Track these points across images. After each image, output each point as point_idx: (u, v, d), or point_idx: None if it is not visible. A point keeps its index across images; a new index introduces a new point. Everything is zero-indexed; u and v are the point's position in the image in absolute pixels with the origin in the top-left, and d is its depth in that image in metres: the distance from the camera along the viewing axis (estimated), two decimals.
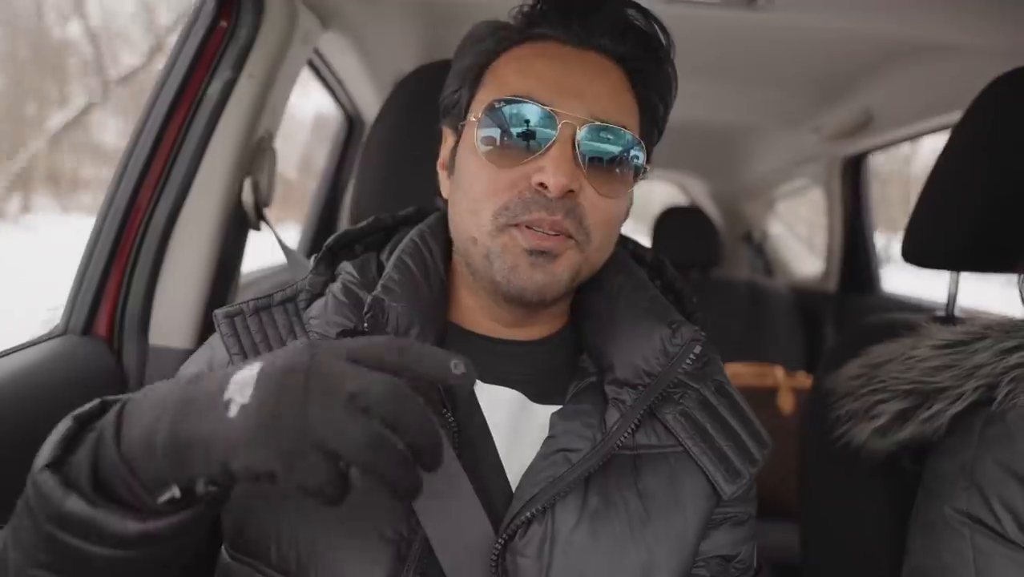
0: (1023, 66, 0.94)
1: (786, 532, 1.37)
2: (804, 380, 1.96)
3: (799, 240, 2.92)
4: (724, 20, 1.40)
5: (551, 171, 0.59)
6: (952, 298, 1.05)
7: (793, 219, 3.04)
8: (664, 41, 0.67)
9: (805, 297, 2.52)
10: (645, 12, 0.66)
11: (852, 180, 2.28)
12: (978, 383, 0.73)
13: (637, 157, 0.64)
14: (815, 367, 2.55)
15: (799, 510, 1.08)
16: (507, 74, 0.65)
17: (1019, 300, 0.80)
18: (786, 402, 1.94)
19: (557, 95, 0.61)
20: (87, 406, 0.49)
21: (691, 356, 0.66)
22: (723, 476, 0.66)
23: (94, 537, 0.41)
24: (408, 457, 0.41)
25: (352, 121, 1.84)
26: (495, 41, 0.67)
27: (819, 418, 0.92)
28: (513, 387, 0.68)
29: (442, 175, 0.71)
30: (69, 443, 0.46)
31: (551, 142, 0.60)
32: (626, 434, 0.64)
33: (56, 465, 0.44)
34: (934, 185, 1.00)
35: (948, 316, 1.01)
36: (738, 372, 1.98)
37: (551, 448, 0.64)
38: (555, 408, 0.67)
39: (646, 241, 2.46)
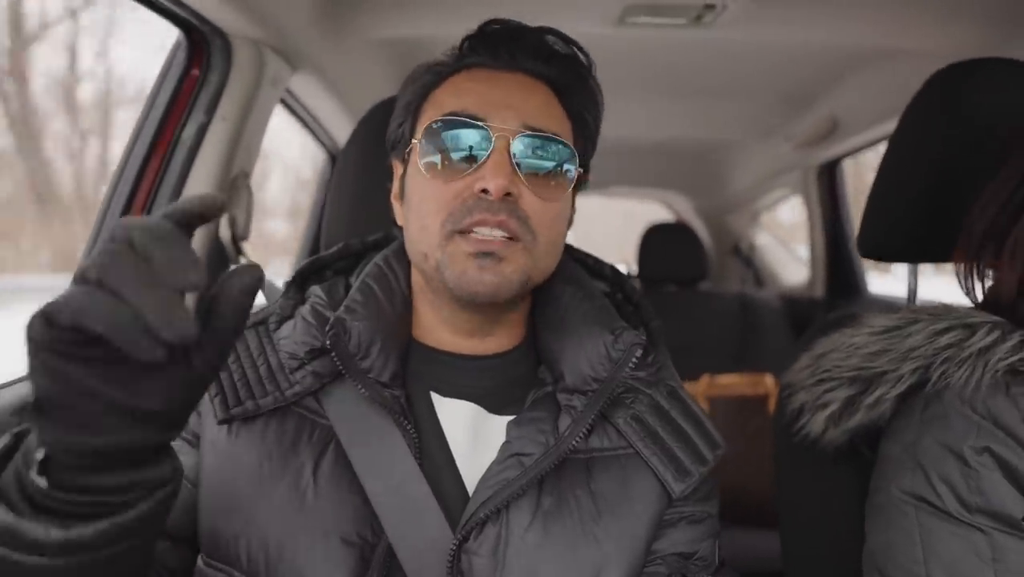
0: (956, 62, 0.99)
1: (773, 540, 1.38)
2: None
3: (785, 249, 2.96)
4: (683, 40, 1.46)
5: (490, 176, 0.63)
6: (912, 290, 1.08)
7: (777, 228, 3.08)
8: (584, 60, 0.72)
9: (794, 305, 2.54)
10: (564, 37, 0.72)
11: (828, 186, 2.32)
12: (914, 365, 0.76)
13: (571, 163, 0.68)
14: None
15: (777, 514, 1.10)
16: (443, 98, 0.69)
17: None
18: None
19: (490, 109, 0.65)
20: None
21: (634, 359, 0.68)
22: (672, 475, 0.68)
23: (19, 545, 0.41)
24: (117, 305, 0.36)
25: (334, 157, 1.91)
26: (431, 75, 0.72)
27: (782, 414, 0.94)
28: (472, 400, 0.71)
29: (396, 205, 0.75)
30: (6, 457, 0.45)
31: (488, 152, 0.64)
32: (579, 438, 0.66)
33: None
34: (884, 180, 1.04)
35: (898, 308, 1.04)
36: (731, 382, 2.00)
37: (506, 453, 0.66)
38: (510, 418, 0.70)
39: (633, 259, 2.51)
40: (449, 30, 1.36)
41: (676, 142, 2.48)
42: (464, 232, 0.64)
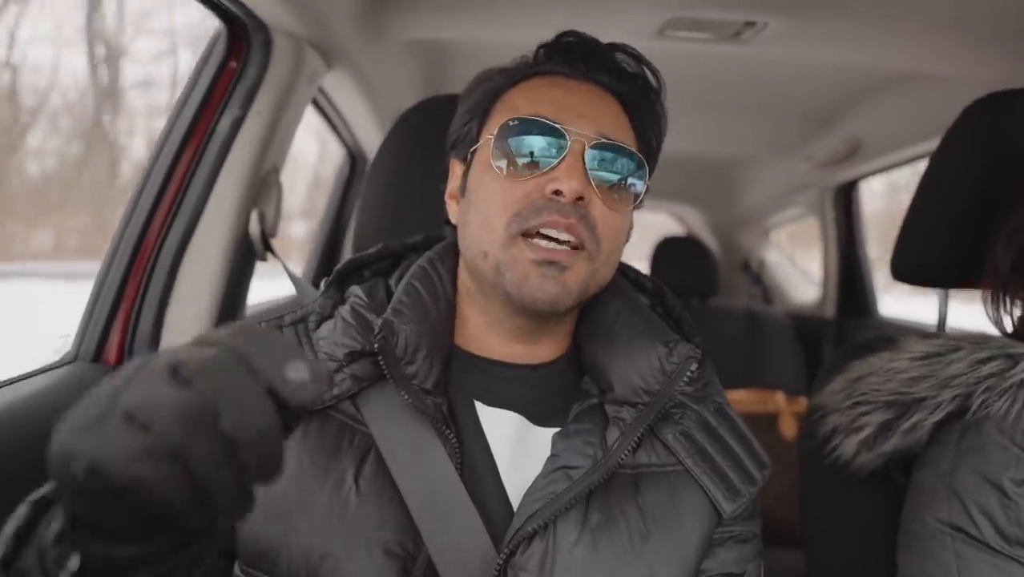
0: (996, 92, 0.99)
1: (794, 560, 1.37)
2: (805, 405, 1.97)
3: (796, 267, 2.96)
4: (715, 55, 1.47)
5: (564, 179, 0.63)
6: (942, 316, 1.08)
7: (791, 247, 3.08)
8: (654, 82, 0.72)
9: (804, 323, 2.54)
10: (637, 56, 0.72)
11: (844, 207, 2.32)
12: (954, 393, 0.75)
13: (639, 176, 0.68)
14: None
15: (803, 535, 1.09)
16: (517, 100, 0.69)
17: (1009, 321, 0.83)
18: (787, 427, 1.95)
19: (565, 115, 0.65)
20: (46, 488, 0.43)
21: (688, 373, 0.68)
22: (723, 495, 0.67)
23: None
24: (182, 472, 0.32)
25: (355, 158, 1.90)
26: (504, 77, 0.71)
27: (812, 436, 0.94)
28: (515, 410, 0.70)
29: (450, 204, 0.74)
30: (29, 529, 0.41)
31: (563, 156, 0.64)
32: (627, 452, 0.65)
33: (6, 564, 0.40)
34: (919, 205, 1.04)
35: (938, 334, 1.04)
36: (739, 399, 1.99)
37: (552, 466, 0.65)
38: (556, 429, 0.69)
39: (645, 271, 2.50)
40: (484, 36, 1.37)
41: (695, 156, 2.48)
42: (528, 236, 0.63)
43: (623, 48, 0.71)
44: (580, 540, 0.63)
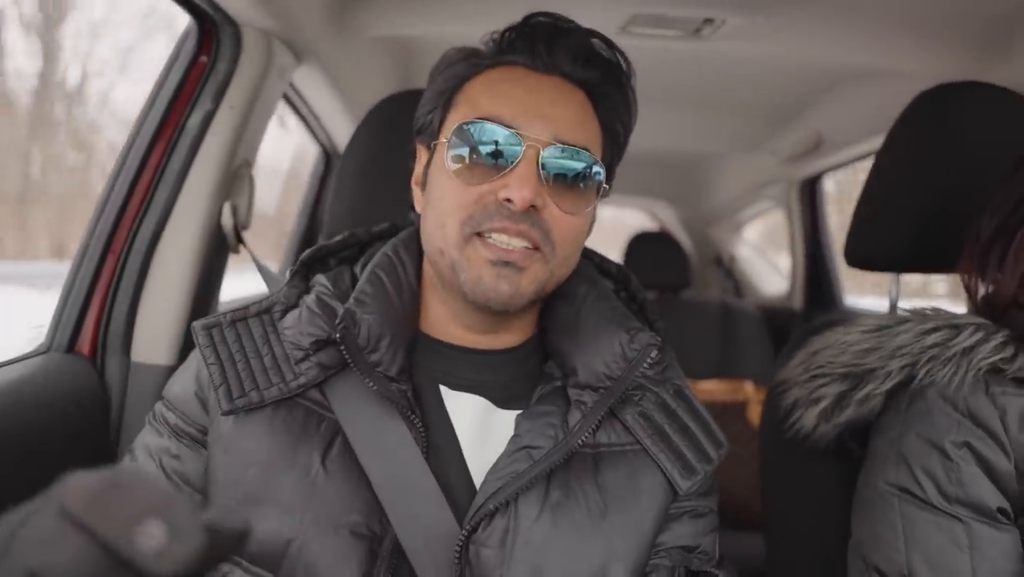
0: (943, 84, 1.04)
1: (757, 543, 1.41)
2: None
3: (764, 261, 3.02)
4: (679, 52, 1.50)
5: (516, 186, 0.63)
6: (893, 300, 1.13)
7: (760, 240, 3.15)
8: (625, 68, 0.72)
9: (773, 315, 2.60)
10: (608, 41, 0.72)
11: (809, 201, 2.39)
12: (902, 363, 0.80)
13: (598, 176, 0.68)
14: None
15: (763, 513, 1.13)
16: (476, 96, 0.69)
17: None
18: (756, 415, 2.00)
19: (523, 117, 0.65)
20: None
21: (648, 360, 0.70)
22: (679, 472, 0.70)
23: None
24: None
25: (328, 153, 1.91)
26: (466, 66, 0.71)
27: (775, 410, 0.97)
28: (480, 393, 0.71)
29: (416, 190, 0.75)
30: None
31: (516, 161, 0.63)
32: (587, 433, 0.67)
33: None
34: (870, 193, 1.08)
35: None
36: (711, 388, 2.04)
37: (515, 446, 0.67)
38: (518, 411, 0.71)
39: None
40: (455, 31, 1.39)
41: (665, 152, 2.53)
42: (482, 235, 0.64)
43: (592, 33, 0.71)
44: (540, 517, 0.65)
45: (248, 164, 1.19)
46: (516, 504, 0.64)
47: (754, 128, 2.14)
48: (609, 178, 0.74)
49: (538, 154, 0.64)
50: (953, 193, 0.97)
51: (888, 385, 0.81)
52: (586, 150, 0.67)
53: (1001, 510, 0.72)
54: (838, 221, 2.43)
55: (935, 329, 0.80)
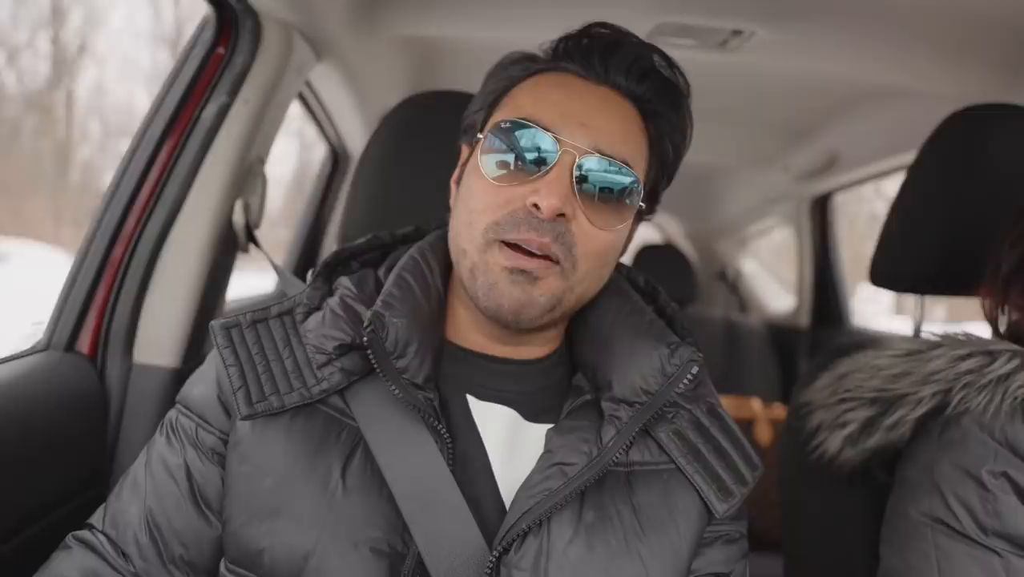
0: (972, 105, 1.02)
1: (766, 564, 1.39)
2: (780, 412, 2.00)
3: (771, 277, 3.01)
4: (700, 63, 1.48)
5: (545, 193, 0.60)
6: (918, 322, 1.10)
7: (768, 256, 3.14)
8: (684, 88, 0.69)
9: (779, 332, 2.58)
10: (668, 59, 0.69)
11: (820, 219, 2.37)
12: (935, 389, 0.77)
13: (636, 193, 0.65)
14: (790, 399, 2.58)
15: (779, 541, 1.10)
16: (521, 98, 0.67)
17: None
18: (763, 433, 1.97)
19: (563, 122, 0.63)
20: None
21: (688, 376, 0.66)
22: (715, 495, 0.66)
23: None
24: None
25: (337, 154, 1.89)
26: (518, 69, 0.69)
27: (796, 432, 0.95)
28: (507, 405, 0.69)
29: (453, 188, 0.73)
30: None
31: (550, 166, 0.61)
32: (620, 451, 0.64)
33: None
34: (898, 213, 1.07)
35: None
36: None
37: (547, 462, 0.64)
38: (549, 426, 0.68)
39: None
40: (476, 34, 1.37)
41: None
42: (504, 243, 0.62)
43: (652, 48, 0.68)
44: (575, 538, 0.62)
45: (261, 161, 1.16)
46: (549, 524, 0.61)
47: (768, 143, 2.13)
48: (652, 200, 0.71)
49: (573, 161, 0.62)
50: (981, 217, 0.95)
51: (920, 412, 0.78)
52: (627, 165, 0.64)
53: None
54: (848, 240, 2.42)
55: (970, 355, 0.77)
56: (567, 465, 0.63)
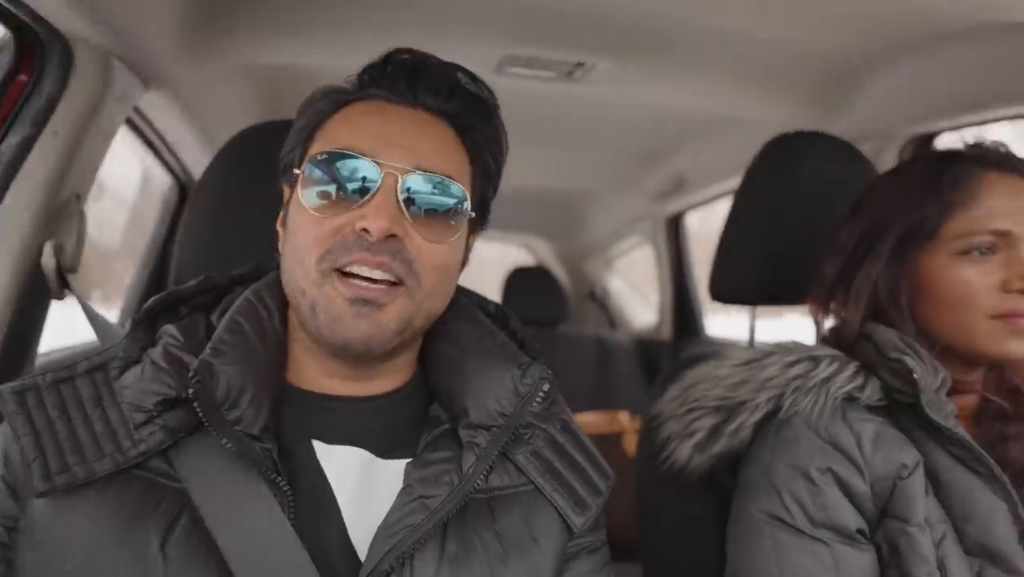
0: (786, 133, 1.13)
1: (632, 573, 1.43)
2: None
3: (636, 294, 3.16)
4: (555, 94, 1.54)
5: (372, 216, 0.60)
6: (752, 331, 1.19)
7: (635, 274, 3.29)
8: (490, 100, 0.71)
9: (645, 346, 2.71)
10: (471, 75, 0.71)
11: (674, 237, 2.53)
12: (769, 394, 0.83)
13: (464, 205, 0.66)
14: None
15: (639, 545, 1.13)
16: (334, 129, 0.66)
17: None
18: (631, 444, 2.04)
19: (381, 146, 0.63)
20: None
21: (541, 393, 0.68)
22: (572, 510, 0.69)
23: None
24: None
25: (183, 186, 1.75)
26: (328, 102, 0.69)
27: (650, 443, 0.98)
28: (358, 445, 0.66)
29: (280, 232, 0.71)
30: None
31: (373, 191, 0.61)
32: (480, 477, 0.65)
33: None
34: (729, 232, 1.15)
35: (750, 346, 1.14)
36: (588, 421, 2.06)
37: (408, 497, 0.63)
38: (407, 460, 0.66)
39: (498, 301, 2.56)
40: (320, 61, 1.33)
41: (544, 189, 2.58)
42: (342, 272, 0.61)
43: (455, 67, 0.70)
44: (439, 572, 0.61)
45: (79, 198, 1.05)
46: (411, 563, 0.60)
47: (625, 167, 2.24)
48: (483, 211, 0.73)
49: (396, 182, 0.62)
50: (800, 234, 1.05)
51: (758, 416, 0.84)
52: (450, 178, 0.65)
53: (860, 531, 0.76)
54: (703, 256, 2.59)
55: (798, 361, 0.84)
56: (429, 498, 0.62)
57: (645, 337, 2.79)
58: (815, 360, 0.84)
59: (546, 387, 0.69)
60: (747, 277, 1.09)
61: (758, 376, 0.85)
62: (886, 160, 1.43)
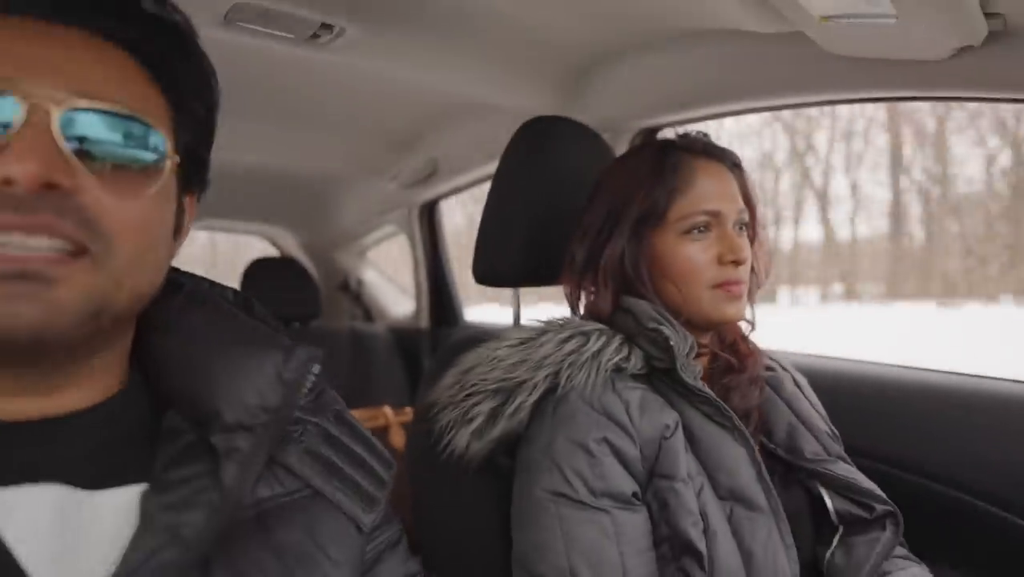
0: (538, 116, 1.16)
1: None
2: (411, 414, 2.04)
3: (392, 284, 3.09)
4: (296, 61, 1.38)
5: (16, 158, 0.44)
6: (516, 312, 1.21)
7: (387, 263, 3.21)
8: (184, 27, 0.57)
9: (403, 335, 2.65)
10: None
11: (429, 224, 2.51)
12: (547, 372, 0.83)
13: (157, 148, 0.52)
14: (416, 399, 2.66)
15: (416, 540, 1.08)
16: None
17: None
18: (397, 438, 1.98)
19: (25, 72, 0.47)
20: None
21: (311, 377, 0.58)
22: (360, 508, 0.61)
23: None
24: None
25: None
26: None
27: (427, 434, 0.93)
28: (54, 480, 0.49)
29: None
30: None
31: (16, 126, 0.45)
32: (249, 488, 0.53)
33: None
34: (489, 216, 1.15)
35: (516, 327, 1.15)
36: None
37: (152, 531, 0.49)
38: (138, 487, 0.51)
39: None
40: None
41: (284, 173, 2.35)
42: None
43: None
44: None
45: None
46: None
47: (377, 152, 2.15)
48: (198, 167, 0.60)
49: (49, 116, 0.46)
50: (554, 215, 1.08)
51: (536, 395, 0.83)
52: (132, 113, 0.50)
53: (634, 493, 0.80)
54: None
55: (571, 337, 0.85)
56: (182, 527, 0.49)
57: (402, 326, 2.74)
58: (586, 335, 0.86)
59: (316, 369, 0.59)
60: (508, 259, 1.10)
61: (535, 355, 0.85)
62: (620, 150, 1.56)
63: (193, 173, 0.59)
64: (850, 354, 1.40)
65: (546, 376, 0.83)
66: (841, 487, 0.88)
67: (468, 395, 0.86)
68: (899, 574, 0.91)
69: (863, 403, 1.23)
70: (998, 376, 1.17)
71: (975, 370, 1.20)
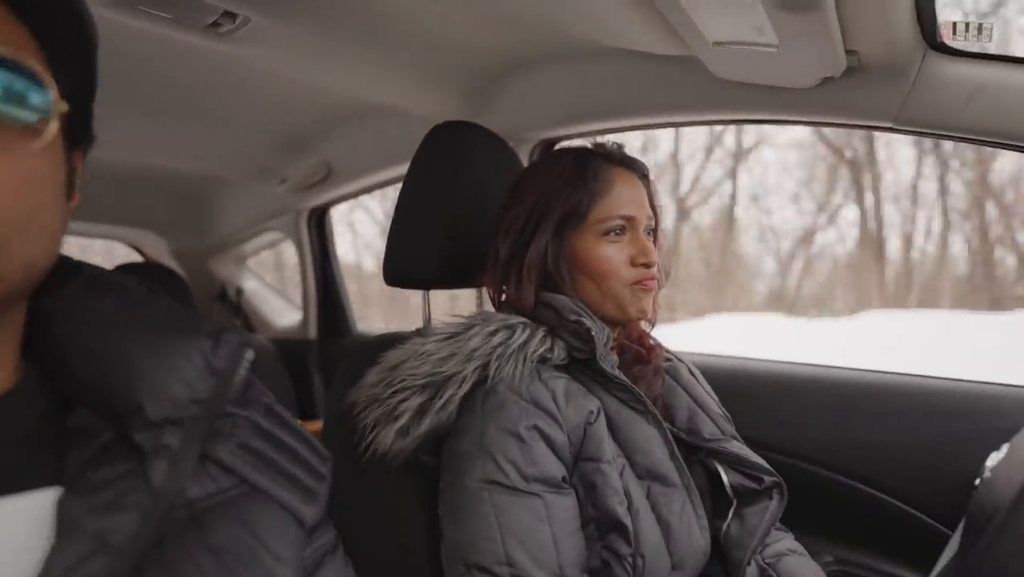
0: (447, 121, 1.18)
1: None
2: (313, 426, 1.95)
3: (275, 293, 2.94)
4: (187, 49, 1.30)
5: None
6: (426, 314, 1.21)
7: (266, 272, 3.05)
8: None
9: (287, 346, 2.54)
10: None
11: (319, 230, 2.43)
12: (476, 364, 0.85)
13: (35, 96, 0.45)
14: (308, 412, 2.56)
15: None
16: None
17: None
18: None
19: None
20: None
21: (245, 364, 0.54)
22: (300, 499, 0.58)
23: None
24: None
25: None
26: None
27: (344, 437, 0.90)
28: None
29: None
30: None
31: None
32: (181, 486, 0.50)
33: None
34: (400, 220, 1.14)
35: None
36: None
37: (75, 539, 0.45)
38: (50, 491, 0.47)
39: None
40: None
41: (154, 171, 2.18)
42: None
43: None
44: None
45: None
46: None
47: (264, 153, 2.05)
48: (84, 120, 0.54)
49: None
50: (466, 219, 1.10)
51: (466, 388, 0.84)
52: (13, 61, 0.45)
53: (563, 477, 0.83)
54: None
55: (497, 330, 0.87)
56: (112, 532, 0.45)
57: (287, 337, 2.61)
58: (511, 328, 0.88)
59: (250, 354, 0.55)
60: (420, 262, 1.11)
61: (464, 348, 0.86)
62: (522, 159, 1.61)
63: (80, 127, 0.53)
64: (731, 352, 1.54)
65: (475, 369, 0.85)
66: (735, 462, 0.96)
67: (395, 392, 0.85)
68: (776, 545, 1.01)
69: (746, 393, 1.36)
70: (860, 367, 1.34)
71: None
